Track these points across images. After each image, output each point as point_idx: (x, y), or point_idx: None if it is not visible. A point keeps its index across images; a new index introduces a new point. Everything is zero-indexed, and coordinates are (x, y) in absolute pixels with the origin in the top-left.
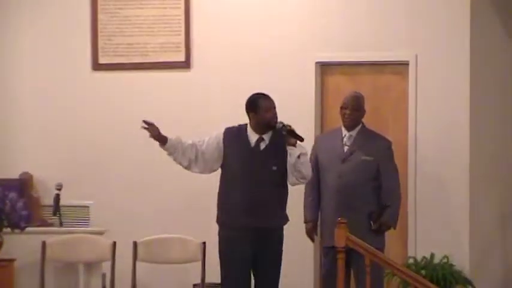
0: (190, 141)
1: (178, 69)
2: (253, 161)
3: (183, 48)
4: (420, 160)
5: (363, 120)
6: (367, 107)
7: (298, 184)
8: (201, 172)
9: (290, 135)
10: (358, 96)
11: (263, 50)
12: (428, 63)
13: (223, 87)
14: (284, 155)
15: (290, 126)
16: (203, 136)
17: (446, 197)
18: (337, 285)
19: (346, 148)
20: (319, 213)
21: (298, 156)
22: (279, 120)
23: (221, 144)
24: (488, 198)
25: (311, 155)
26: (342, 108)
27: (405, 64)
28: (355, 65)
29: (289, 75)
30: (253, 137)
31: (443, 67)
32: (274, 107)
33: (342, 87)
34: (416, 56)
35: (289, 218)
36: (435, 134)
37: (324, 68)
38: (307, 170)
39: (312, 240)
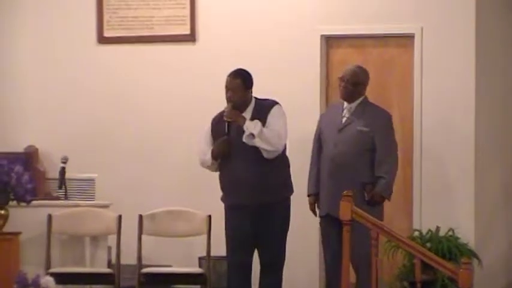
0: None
1: (183, 42)
2: (235, 139)
3: (188, 22)
4: (425, 133)
5: (366, 94)
6: (372, 79)
7: (270, 156)
8: None
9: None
10: (357, 71)
11: (268, 23)
12: (434, 36)
13: (228, 61)
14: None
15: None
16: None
17: (451, 170)
18: (343, 258)
19: (344, 119)
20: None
21: (252, 135)
22: (227, 108)
23: (209, 135)
24: (493, 171)
25: (316, 128)
26: (339, 78)
27: (411, 37)
28: (360, 37)
29: (294, 48)
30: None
31: (448, 40)
32: (233, 90)
33: (347, 60)
34: (422, 29)
35: (294, 188)
36: (440, 106)
37: (329, 41)
38: (266, 144)
39: (314, 213)
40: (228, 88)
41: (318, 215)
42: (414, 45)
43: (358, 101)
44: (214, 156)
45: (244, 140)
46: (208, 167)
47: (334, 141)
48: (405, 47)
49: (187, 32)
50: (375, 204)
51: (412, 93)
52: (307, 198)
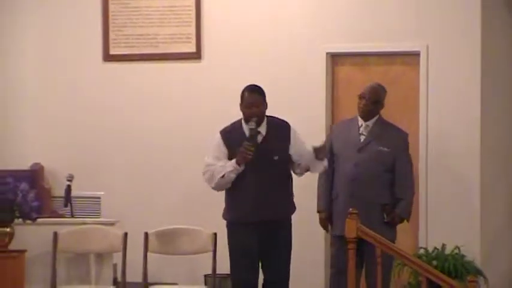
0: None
1: (189, 60)
2: (253, 154)
3: (193, 39)
4: (431, 151)
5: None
6: None
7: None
8: None
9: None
10: (377, 88)
11: (274, 40)
12: (439, 54)
13: (233, 78)
14: (284, 143)
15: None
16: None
17: (457, 188)
18: (348, 275)
19: (362, 138)
20: (332, 202)
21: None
22: (252, 123)
23: (223, 147)
24: (499, 188)
25: (328, 140)
26: (359, 96)
27: (416, 54)
28: (365, 55)
29: (300, 66)
30: (248, 131)
31: (454, 57)
32: (257, 105)
33: (353, 77)
34: (427, 47)
35: (299, 206)
36: (446, 124)
37: (335, 59)
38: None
39: (326, 230)
40: (252, 104)
41: (329, 233)
42: (420, 62)
43: (374, 119)
44: (240, 161)
45: (319, 171)
46: (221, 185)
47: (354, 161)
48: (411, 64)
49: (193, 49)
50: (394, 225)
51: (418, 111)
52: (308, 216)
